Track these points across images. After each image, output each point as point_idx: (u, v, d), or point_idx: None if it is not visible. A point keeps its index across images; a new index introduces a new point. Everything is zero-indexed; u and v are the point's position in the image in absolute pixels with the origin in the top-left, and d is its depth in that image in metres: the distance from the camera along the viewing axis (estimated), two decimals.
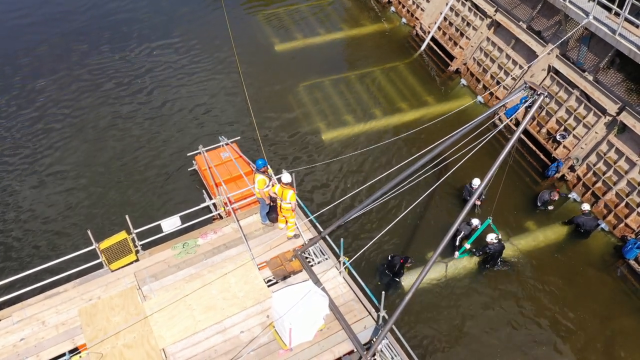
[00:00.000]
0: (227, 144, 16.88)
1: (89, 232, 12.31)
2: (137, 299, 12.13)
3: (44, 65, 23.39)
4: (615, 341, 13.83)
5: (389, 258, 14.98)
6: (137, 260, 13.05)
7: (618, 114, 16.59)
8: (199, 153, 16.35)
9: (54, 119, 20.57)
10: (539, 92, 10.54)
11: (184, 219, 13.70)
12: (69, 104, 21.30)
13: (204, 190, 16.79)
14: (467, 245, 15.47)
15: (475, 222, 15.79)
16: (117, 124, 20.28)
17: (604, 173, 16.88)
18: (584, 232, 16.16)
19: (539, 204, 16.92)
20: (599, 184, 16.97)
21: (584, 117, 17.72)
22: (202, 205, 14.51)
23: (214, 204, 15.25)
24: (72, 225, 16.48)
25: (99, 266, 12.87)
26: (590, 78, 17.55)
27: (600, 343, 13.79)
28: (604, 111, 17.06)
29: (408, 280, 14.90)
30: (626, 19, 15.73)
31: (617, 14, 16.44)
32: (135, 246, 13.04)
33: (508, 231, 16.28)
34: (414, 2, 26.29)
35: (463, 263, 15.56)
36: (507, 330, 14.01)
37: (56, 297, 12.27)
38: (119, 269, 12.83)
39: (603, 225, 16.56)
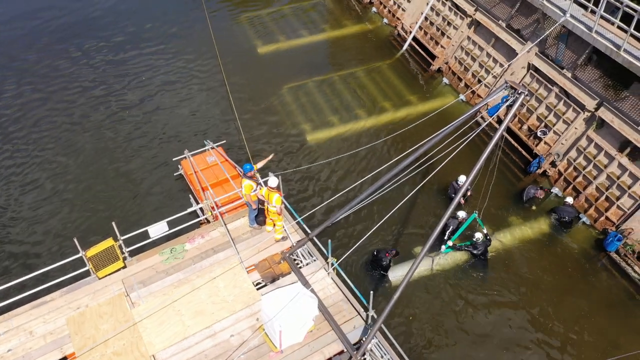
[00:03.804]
0: (212, 148, 16.87)
1: (75, 240, 12.24)
2: (125, 306, 12.10)
3: (28, 71, 23.12)
4: (599, 332, 14.12)
5: (374, 254, 15.11)
6: (124, 267, 13.02)
7: (596, 109, 16.95)
8: (185, 158, 16.31)
9: (35, 125, 20.33)
10: (519, 91, 10.77)
11: (171, 225, 13.67)
12: (53, 111, 21.05)
13: (190, 195, 16.75)
14: (450, 243, 15.64)
15: (461, 214, 16.00)
16: (101, 131, 20.11)
17: (584, 168, 17.23)
18: (564, 223, 16.49)
19: (524, 199, 17.21)
20: (580, 179, 17.31)
21: (564, 113, 18.06)
22: (189, 210, 14.52)
23: (200, 209, 15.23)
24: (58, 233, 16.31)
25: (86, 274, 12.81)
26: (569, 75, 17.89)
27: (585, 336, 14.06)
28: (582, 107, 17.40)
29: (395, 274, 15.03)
30: (602, 17, 16.08)
31: (593, 12, 16.80)
32: (123, 253, 13.00)
33: (493, 226, 16.52)
34: (395, 3, 26.50)
35: (449, 258, 15.74)
36: (494, 325, 14.21)
37: (43, 307, 12.19)
38: (106, 276, 12.79)
39: (584, 219, 16.90)
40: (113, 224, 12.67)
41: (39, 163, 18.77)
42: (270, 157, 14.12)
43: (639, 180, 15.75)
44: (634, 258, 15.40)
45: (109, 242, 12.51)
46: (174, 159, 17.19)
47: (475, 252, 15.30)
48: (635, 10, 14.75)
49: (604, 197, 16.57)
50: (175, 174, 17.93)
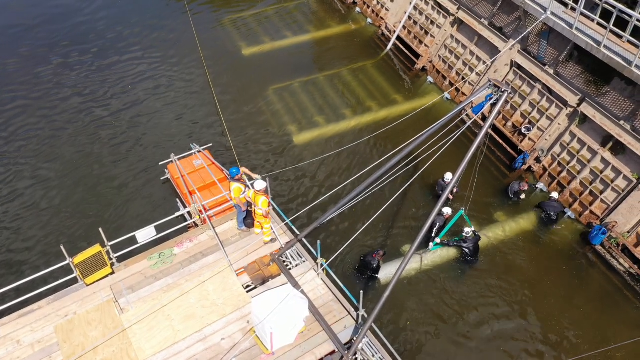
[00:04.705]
0: (199, 152, 16.80)
1: (62, 246, 12.12)
2: (114, 312, 12.01)
3: (8, 78, 22.80)
4: (587, 325, 14.32)
5: (362, 258, 15.16)
6: (112, 273, 12.90)
7: (578, 105, 17.19)
8: (171, 162, 16.22)
9: (17, 133, 20.06)
10: (503, 89, 10.90)
11: (158, 229, 13.58)
12: (35, 118, 20.79)
13: (177, 199, 16.66)
14: (438, 240, 15.75)
15: (446, 210, 16.13)
16: (85, 137, 19.90)
17: (568, 163, 17.46)
18: (550, 218, 16.69)
19: (510, 195, 17.41)
20: (564, 174, 17.54)
21: (547, 110, 18.29)
22: (177, 214, 14.44)
23: (188, 213, 15.17)
24: (43, 241, 16.11)
25: (74, 281, 12.67)
26: (551, 71, 18.12)
27: (573, 328, 14.25)
28: (565, 103, 17.64)
29: (384, 273, 15.09)
30: (582, 14, 16.30)
31: (573, 9, 17.02)
32: (110, 259, 12.89)
33: (480, 223, 16.68)
34: (378, 2, 26.60)
35: (437, 255, 15.85)
36: (484, 320, 14.33)
37: (30, 315, 12.03)
38: (94, 282, 12.67)
39: (570, 213, 17.12)
40: (100, 229, 12.56)
41: (22, 170, 18.52)
42: (256, 176, 13.85)
43: (621, 174, 16.01)
44: (618, 251, 15.64)
45: (96, 249, 12.39)
46: (160, 163, 17.07)
47: (465, 245, 15.42)
48: (613, 7, 14.98)
49: (588, 191, 16.80)
50: (162, 178, 17.82)
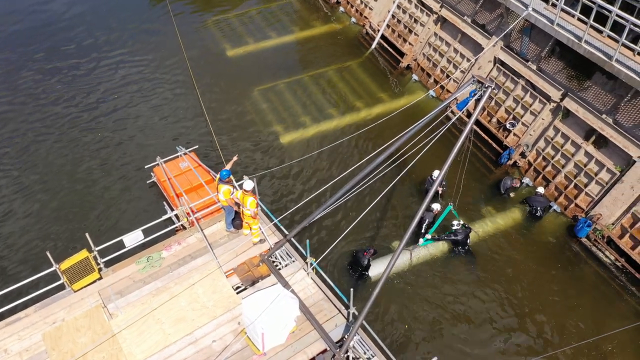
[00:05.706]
0: (185, 154, 16.71)
1: (47, 253, 11.97)
2: (103, 318, 11.90)
3: None
4: (575, 316, 14.50)
5: (353, 254, 15.22)
6: (100, 278, 12.77)
7: (561, 100, 17.40)
8: (157, 165, 16.11)
9: (1, 139, 19.79)
10: (486, 85, 11.01)
11: (146, 233, 13.48)
12: (18, 122, 20.52)
13: (164, 202, 16.55)
14: (429, 236, 15.85)
15: (435, 206, 16.25)
16: (70, 142, 19.68)
17: (553, 157, 17.67)
18: (537, 213, 16.86)
19: (502, 190, 17.55)
20: (549, 168, 17.75)
21: (531, 105, 18.49)
22: (164, 217, 14.36)
23: (176, 215, 15.07)
24: (29, 248, 15.90)
25: (61, 287, 12.52)
26: (534, 67, 18.33)
27: (562, 320, 14.42)
28: (548, 98, 17.84)
29: (374, 271, 15.13)
30: (562, 10, 16.51)
31: (554, 5, 17.24)
32: (98, 264, 12.76)
33: (468, 218, 16.79)
34: (362, 2, 26.69)
35: (427, 250, 15.94)
36: (475, 315, 14.44)
37: (17, 323, 11.87)
38: (82, 288, 12.53)
39: (555, 207, 17.33)
40: (87, 234, 12.43)
41: (4, 177, 18.26)
42: (234, 159, 14.04)
43: (604, 167, 16.23)
44: (603, 243, 15.86)
45: (83, 254, 12.25)
46: (146, 167, 16.96)
47: (457, 238, 15.53)
48: (593, 2, 15.20)
49: (572, 184, 17.02)
50: (148, 182, 17.68)
